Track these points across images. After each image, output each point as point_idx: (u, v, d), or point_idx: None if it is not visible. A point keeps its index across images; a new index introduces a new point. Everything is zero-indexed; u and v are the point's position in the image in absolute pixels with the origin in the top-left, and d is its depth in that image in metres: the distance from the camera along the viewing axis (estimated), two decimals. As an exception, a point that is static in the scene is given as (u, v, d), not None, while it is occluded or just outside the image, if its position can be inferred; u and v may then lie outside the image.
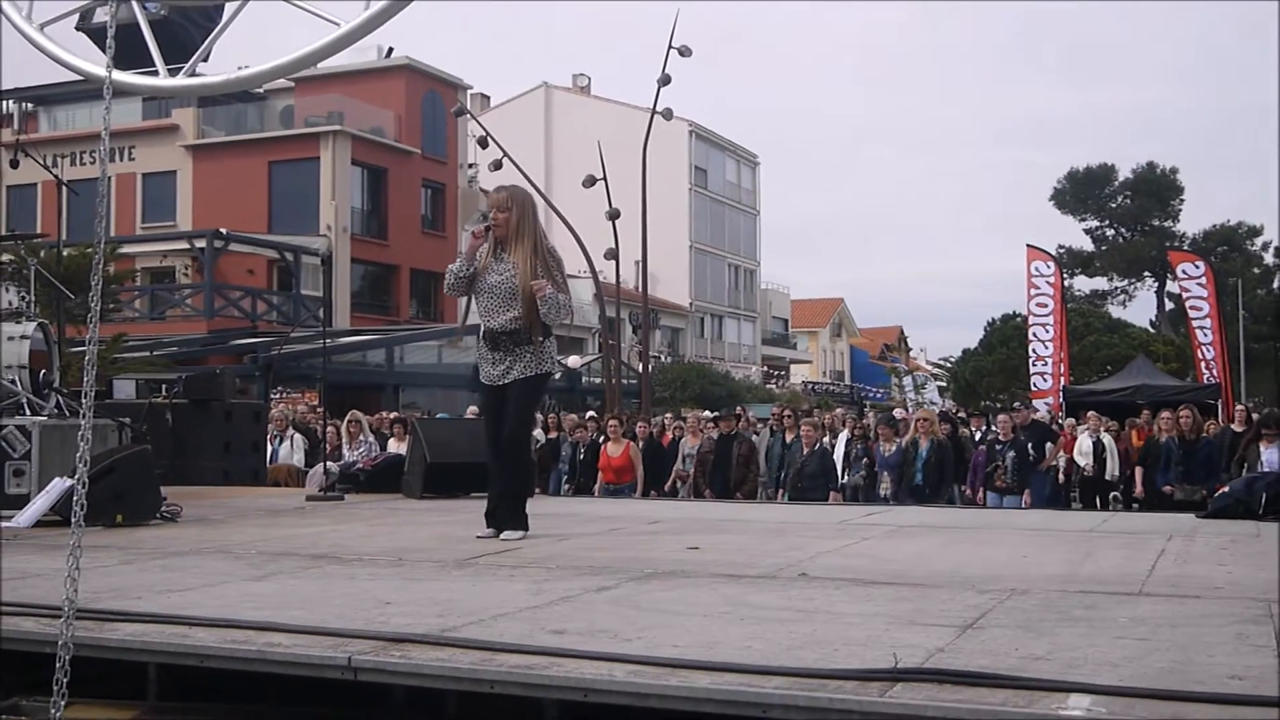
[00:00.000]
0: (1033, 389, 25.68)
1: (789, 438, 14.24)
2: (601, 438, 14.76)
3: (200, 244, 33.49)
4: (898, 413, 19.52)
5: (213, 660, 3.70)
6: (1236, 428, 14.48)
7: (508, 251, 6.68)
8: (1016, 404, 30.89)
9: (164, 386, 12.70)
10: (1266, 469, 11.95)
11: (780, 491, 13.77)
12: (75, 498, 3.70)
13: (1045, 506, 13.36)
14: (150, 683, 3.86)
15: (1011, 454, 13.46)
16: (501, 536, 6.67)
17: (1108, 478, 15.38)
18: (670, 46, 24.90)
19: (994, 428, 14.98)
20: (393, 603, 4.40)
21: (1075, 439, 15.82)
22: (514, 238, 6.65)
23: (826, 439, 14.44)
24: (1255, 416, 14.10)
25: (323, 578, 5.21)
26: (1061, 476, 15.15)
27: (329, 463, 12.15)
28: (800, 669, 3.25)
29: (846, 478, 13.90)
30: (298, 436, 15.28)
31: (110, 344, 18.51)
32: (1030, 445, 13.79)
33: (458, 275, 6.76)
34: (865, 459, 13.81)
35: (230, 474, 12.04)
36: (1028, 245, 26.51)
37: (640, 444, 14.72)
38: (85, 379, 3.76)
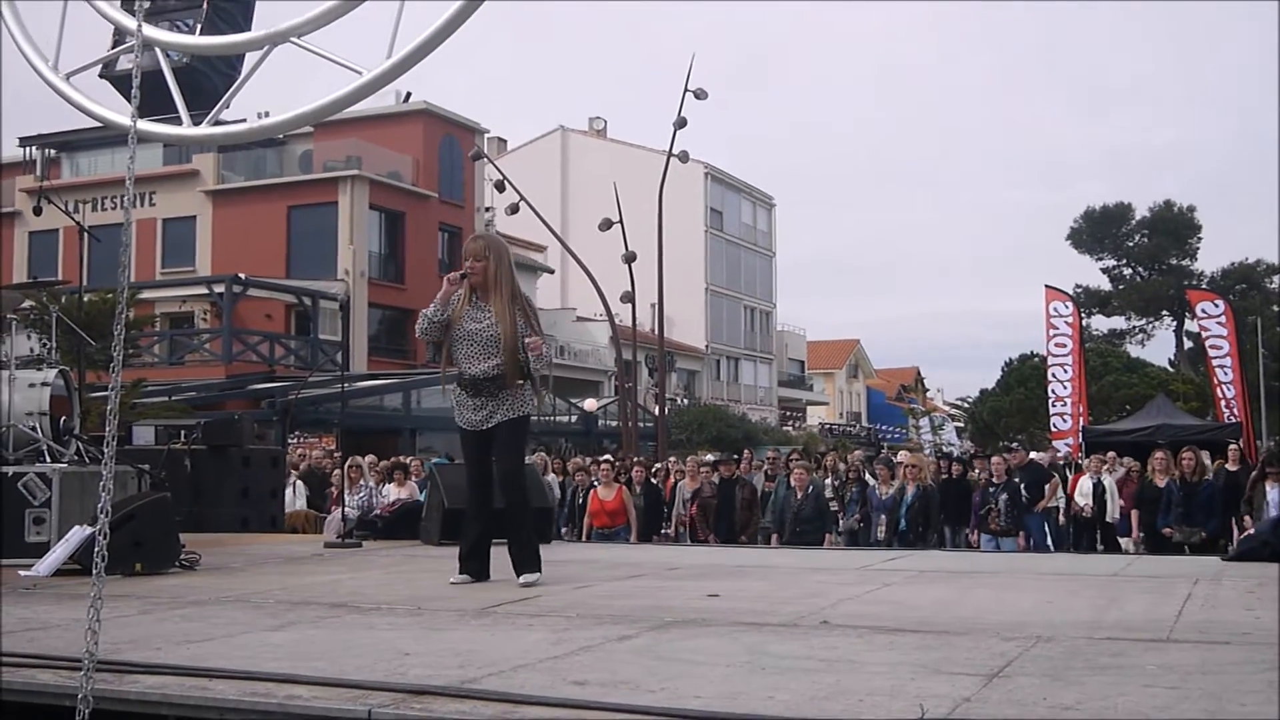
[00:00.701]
0: (1052, 429, 25.56)
1: (792, 481, 14.22)
2: (594, 481, 14.63)
3: (219, 289, 33.70)
4: (903, 455, 19.49)
5: (233, 714, 3.67)
6: (1231, 467, 14.41)
7: (485, 300, 6.79)
8: (1015, 444, 30.68)
9: (183, 432, 12.72)
10: (1273, 509, 11.88)
11: (774, 536, 13.67)
12: (96, 548, 3.69)
13: (1045, 549, 13.32)
14: (169, 736, 3.84)
15: (1004, 496, 13.38)
16: (521, 580, 6.66)
17: (1108, 520, 15.30)
18: (686, 89, 25.07)
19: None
20: (412, 653, 4.38)
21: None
22: (492, 286, 6.76)
23: (829, 480, 14.52)
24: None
25: (342, 627, 5.18)
26: (1062, 518, 15.03)
27: (347, 508, 12.13)
28: (826, 721, 3.22)
29: (840, 521, 13.93)
30: (299, 483, 15.23)
31: (129, 389, 18.60)
32: (1024, 486, 13.71)
33: (431, 320, 6.84)
34: (860, 502, 13.86)
35: (248, 520, 12.02)
36: (1046, 286, 26.46)
37: (638, 488, 14.64)
38: (108, 428, 3.77)
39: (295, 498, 14.87)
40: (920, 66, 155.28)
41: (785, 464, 14.86)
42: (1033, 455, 16.36)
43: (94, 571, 3.61)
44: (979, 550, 12.98)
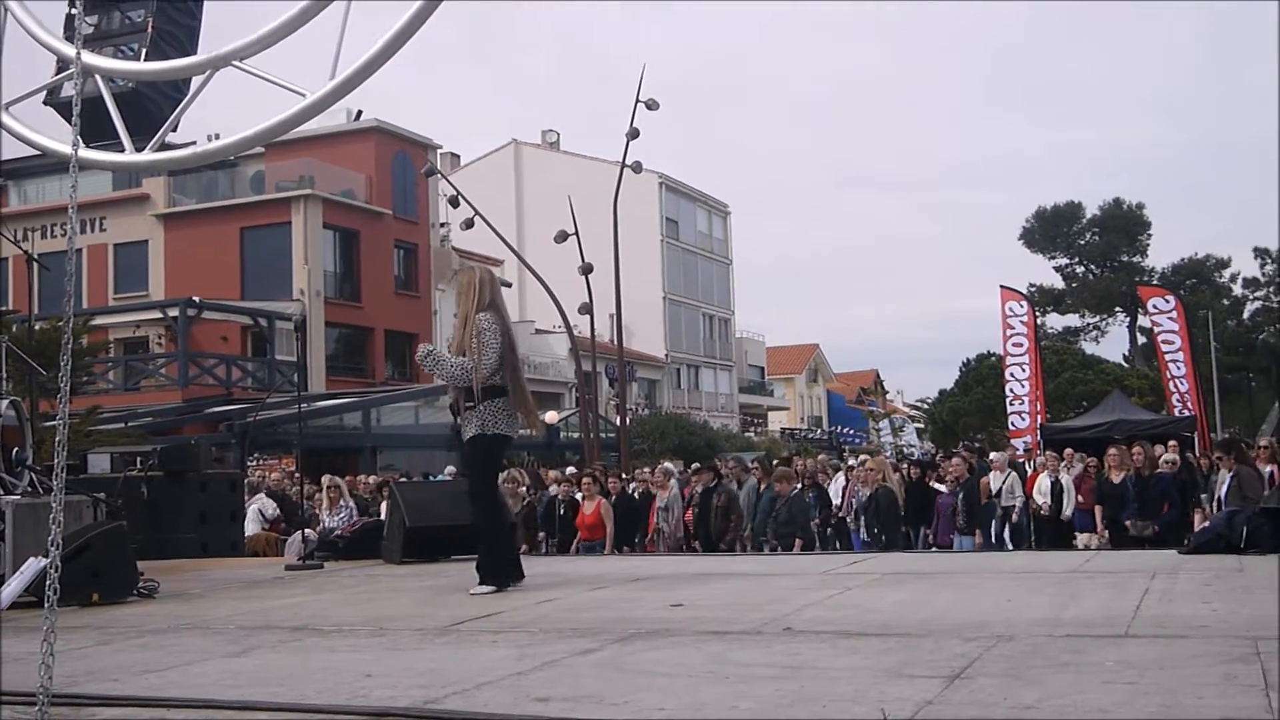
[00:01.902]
0: (1011, 428, 25.76)
1: (761, 487, 14.41)
2: (579, 494, 14.78)
3: (173, 313, 33.37)
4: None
5: (192, 743, 3.63)
6: (1169, 457, 14.63)
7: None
8: (977, 444, 30.89)
9: (139, 459, 12.57)
10: (1220, 495, 12.09)
11: (755, 539, 13.98)
12: (48, 580, 3.64)
13: (1000, 547, 13.53)
14: (131, 768, 3.79)
15: (960, 495, 13.65)
16: (470, 591, 6.97)
17: (1062, 517, 15.45)
18: (638, 100, 25.10)
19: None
20: (374, 675, 4.34)
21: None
22: (459, 317, 7.31)
23: (799, 484, 14.67)
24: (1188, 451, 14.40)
25: (302, 651, 5.14)
26: (1016, 515, 15.18)
27: (307, 530, 12.04)
28: (789, 729, 3.22)
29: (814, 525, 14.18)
30: (253, 506, 15.04)
31: (84, 417, 18.36)
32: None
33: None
34: (819, 506, 14.28)
35: (208, 545, 11.91)
36: (1001, 286, 26.70)
37: (613, 499, 14.71)
38: (56, 458, 3.72)
39: (248, 522, 14.57)
40: (873, 70, 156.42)
41: (763, 469, 15.09)
42: (992, 455, 16.50)
43: (46, 604, 3.56)
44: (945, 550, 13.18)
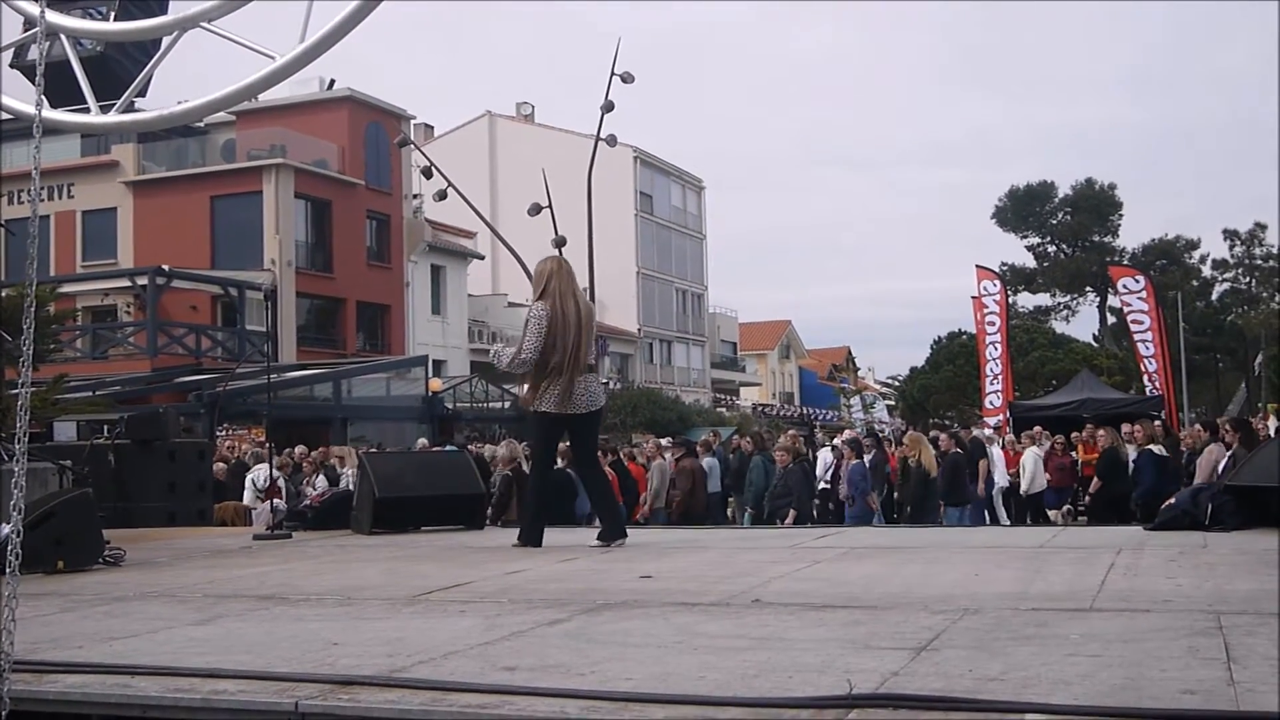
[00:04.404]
0: (987, 406, 25.89)
1: (776, 459, 14.53)
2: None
3: (142, 281, 33.05)
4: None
5: (155, 710, 3.60)
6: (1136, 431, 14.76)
7: None
8: (948, 421, 31.04)
9: (106, 427, 12.47)
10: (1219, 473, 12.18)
11: (750, 512, 14.19)
12: (10, 547, 3.61)
13: (978, 520, 13.73)
14: (93, 735, 3.76)
15: (952, 469, 13.83)
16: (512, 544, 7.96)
17: (1021, 492, 15.73)
18: (613, 73, 24.95)
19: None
20: (341, 643, 4.33)
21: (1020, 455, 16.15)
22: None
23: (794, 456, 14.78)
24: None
25: (269, 619, 5.12)
26: (982, 488, 15.36)
27: (275, 500, 11.99)
28: (755, 699, 3.23)
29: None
30: (249, 476, 14.90)
31: (51, 385, 18.17)
32: (967, 461, 14.17)
33: None
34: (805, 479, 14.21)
35: (176, 515, 11.83)
36: (977, 266, 26.86)
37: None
38: (19, 424, 3.69)
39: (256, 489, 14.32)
40: (848, 46, 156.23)
41: (762, 442, 15.13)
42: (974, 433, 16.77)
43: (8, 571, 3.53)
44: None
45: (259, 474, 15.26)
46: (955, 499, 13.93)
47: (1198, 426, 14.96)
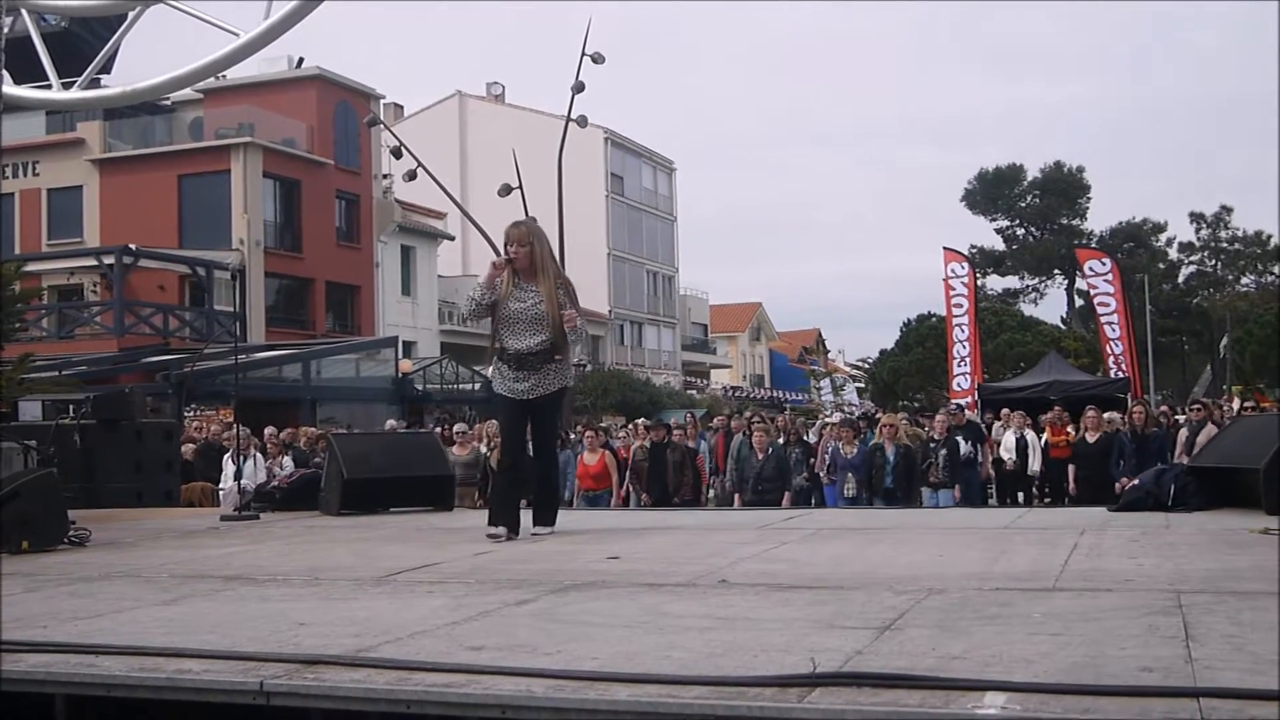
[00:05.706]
0: (955, 389, 26.02)
1: (754, 442, 14.53)
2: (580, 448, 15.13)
3: (109, 260, 32.73)
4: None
5: (120, 689, 3.60)
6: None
7: (531, 281, 7.33)
8: (917, 404, 31.20)
9: (72, 407, 12.37)
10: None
11: (736, 496, 14.20)
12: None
13: (970, 502, 13.79)
14: (58, 714, 3.75)
15: (944, 451, 13.86)
16: (533, 531, 7.43)
17: (1029, 473, 15.86)
18: (583, 53, 24.91)
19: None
20: (307, 623, 4.33)
21: (997, 437, 16.34)
22: (539, 270, 7.33)
23: (780, 440, 14.91)
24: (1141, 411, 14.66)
25: (235, 600, 5.11)
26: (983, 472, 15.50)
27: (243, 481, 11.94)
28: (720, 678, 3.25)
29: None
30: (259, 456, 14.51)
31: (16, 364, 18.02)
32: (967, 442, 14.28)
33: (479, 303, 7.39)
34: (804, 462, 14.43)
35: (142, 495, 11.77)
36: (945, 248, 26.96)
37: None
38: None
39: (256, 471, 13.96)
40: (819, 25, 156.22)
41: (746, 425, 15.22)
42: (967, 416, 16.90)
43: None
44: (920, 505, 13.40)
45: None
46: (949, 480, 13.95)
47: (1164, 409, 15.17)
